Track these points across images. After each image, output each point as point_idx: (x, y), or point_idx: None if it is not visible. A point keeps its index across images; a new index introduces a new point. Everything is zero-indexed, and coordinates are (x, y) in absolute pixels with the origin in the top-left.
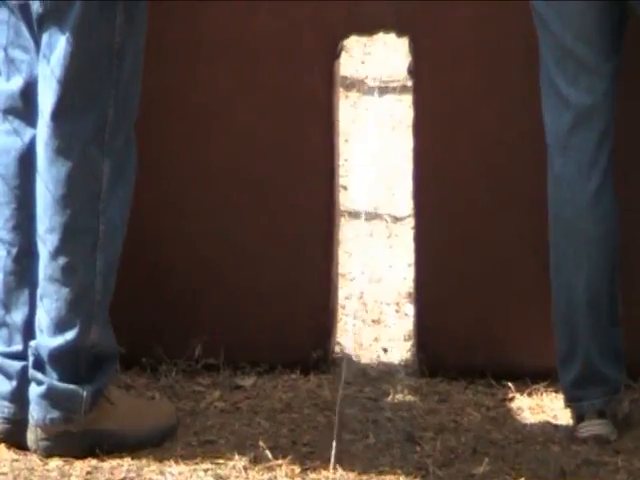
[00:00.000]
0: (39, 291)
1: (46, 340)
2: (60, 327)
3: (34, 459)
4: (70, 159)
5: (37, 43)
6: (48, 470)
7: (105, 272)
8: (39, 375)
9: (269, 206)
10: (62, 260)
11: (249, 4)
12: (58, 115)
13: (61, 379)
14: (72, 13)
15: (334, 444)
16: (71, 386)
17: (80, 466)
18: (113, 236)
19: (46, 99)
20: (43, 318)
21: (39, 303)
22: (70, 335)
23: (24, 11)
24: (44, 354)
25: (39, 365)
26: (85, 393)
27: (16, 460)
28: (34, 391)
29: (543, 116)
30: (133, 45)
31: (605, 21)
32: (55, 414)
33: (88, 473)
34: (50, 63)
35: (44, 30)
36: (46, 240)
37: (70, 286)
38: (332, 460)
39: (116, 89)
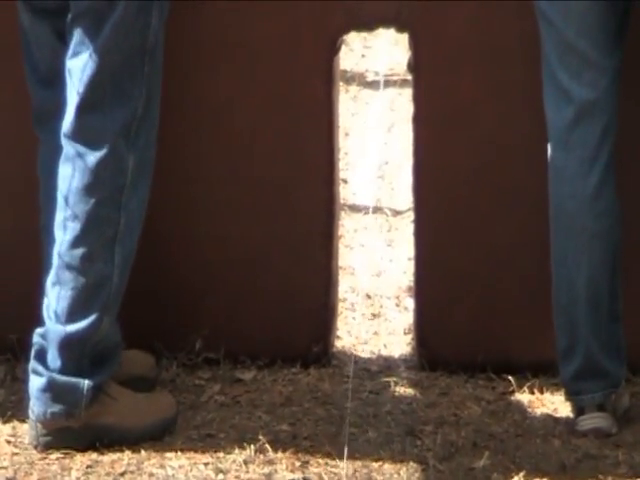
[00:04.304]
0: (51, 279)
1: (56, 327)
2: (73, 315)
3: (34, 453)
4: (100, 151)
5: (65, 45)
6: (48, 464)
7: (121, 266)
8: (40, 367)
9: (269, 201)
10: (82, 249)
11: None
12: (89, 108)
13: (63, 371)
14: (112, 13)
15: (346, 438)
16: (72, 379)
17: (80, 460)
18: (131, 231)
19: (75, 92)
20: (55, 305)
21: (50, 290)
22: (82, 324)
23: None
24: (52, 341)
25: (41, 356)
26: (85, 387)
27: (16, 454)
28: (34, 384)
29: (545, 111)
30: (161, 44)
31: (608, 19)
32: (56, 408)
33: (88, 467)
34: (83, 59)
35: (77, 27)
36: (67, 227)
37: (87, 275)
38: (345, 454)
39: (147, 86)
